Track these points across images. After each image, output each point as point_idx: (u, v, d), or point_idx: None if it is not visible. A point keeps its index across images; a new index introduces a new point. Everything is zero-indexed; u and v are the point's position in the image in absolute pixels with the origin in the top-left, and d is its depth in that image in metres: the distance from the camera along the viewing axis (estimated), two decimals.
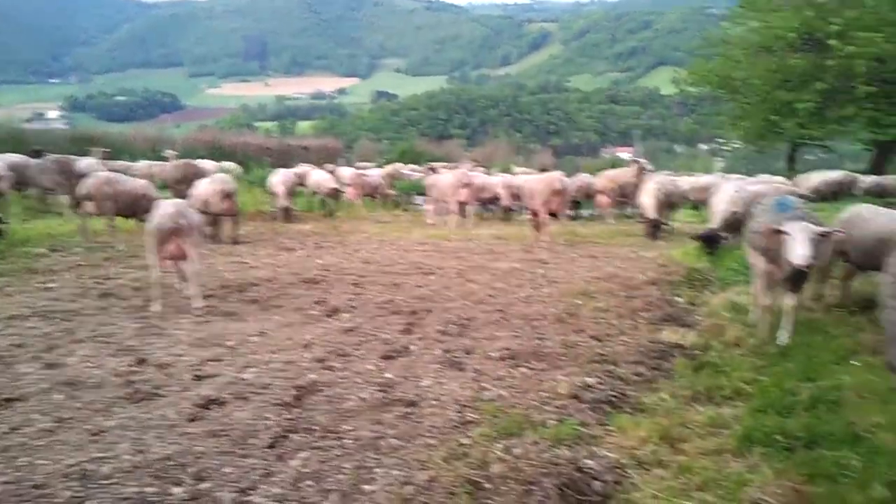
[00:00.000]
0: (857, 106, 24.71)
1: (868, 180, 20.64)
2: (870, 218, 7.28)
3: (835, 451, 4.40)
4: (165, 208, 8.23)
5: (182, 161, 17.48)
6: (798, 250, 5.91)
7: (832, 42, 23.96)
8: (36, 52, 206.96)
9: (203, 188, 13.26)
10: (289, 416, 4.98)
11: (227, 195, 12.98)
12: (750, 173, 29.49)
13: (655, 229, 13.78)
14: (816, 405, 5.17)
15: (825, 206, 14.09)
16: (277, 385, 5.56)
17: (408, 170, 27.04)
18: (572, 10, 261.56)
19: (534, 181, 14.03)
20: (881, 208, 7.61)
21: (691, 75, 31.81)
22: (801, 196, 9.22)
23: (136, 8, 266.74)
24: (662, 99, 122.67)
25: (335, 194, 18.53)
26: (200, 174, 15.30)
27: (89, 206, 12.59)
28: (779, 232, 6.10)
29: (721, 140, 33.27)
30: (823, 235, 6.12)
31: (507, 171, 26.49)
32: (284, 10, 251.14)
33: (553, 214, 13.22)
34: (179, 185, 15.45)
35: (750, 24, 29.15)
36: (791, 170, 28.25)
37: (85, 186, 12.57)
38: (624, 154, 76.80)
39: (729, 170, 35.72)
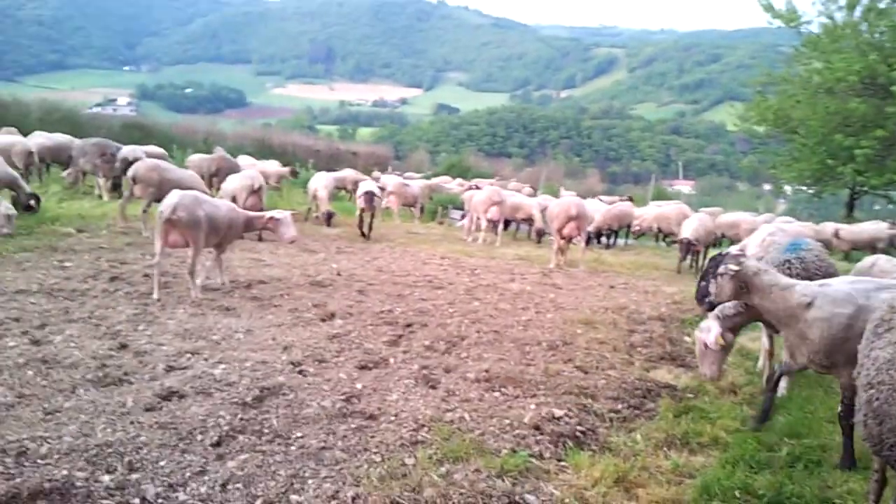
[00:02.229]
0: None
1: None
2: (888, 270, 6.93)
3: None
4: (170, 199, 8.29)
5: (217, 155, 17.73)
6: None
7: (895, 88, 23.25)
8: (111, 40, 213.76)
9: (232, 183, 13.42)
10: (243, 417, 4.91)
11: (254, 191, 13.09)
12: (810, 218, 28.73)
13: (687, 252, 13.59)
14: (795, 464, 4.91)
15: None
16: (243, 384, 5.51)
17: (456, 184, 27.08)
18: (640, 38, 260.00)
19: (553, 205, 13.90)
20: None
21: (748, 111, 31.19)
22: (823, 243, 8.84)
23: (210, 4, 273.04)
24: (727, 134, 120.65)
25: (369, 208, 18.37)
26: (234, 169, 15.49)
27: (137, 190, 12.77)
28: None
29: (779, 181, 32.39)
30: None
31: (554, 193, 26.28)
32: (352, 17, 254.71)
33: (570, 239, 13.05)
34: (213, 179, 15.66)
35: (813, 64, 28.50)
36: (850, 217, 27.41)
37: (133, 170, 12.81)
38: (683, 187, 75.88)
39: (789, 213, 34.90)
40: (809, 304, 4.82)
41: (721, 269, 5.21)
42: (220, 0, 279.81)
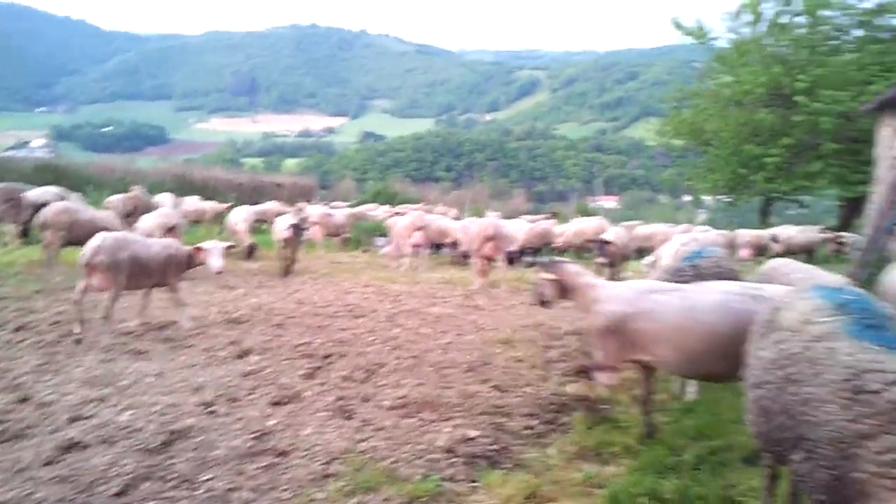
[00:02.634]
0: (823, 162, 24.89)
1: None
2: (787, 273, 7.18)
3: None
4: (93, 241, 8.22)
5: (131, 194, 17.31)
6: None
7: (799, 98, 24.23)
8: (25, 80, 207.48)
9: (146, 222, 13.12)
10: (148, 463, 4.76)
11: (169, 229, 12.83)
12: (728, 227, 29.69)
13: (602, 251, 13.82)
14: (701, 465, 5.02)
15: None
16: (150, 429, 5.35)
17: (382, 211, 26.99)
18: (562, 59, 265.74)
19: (471, 227, 14.02)
20: (801, 264, 7.52)
21: (665, 126, 32.13)
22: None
23: (128, 40, 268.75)
24: (647, 149, 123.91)
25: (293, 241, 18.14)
26: (149, 207, 15.15)
27: (47, 235, 12.38)
28: None
29: (697, 192, 33.42)
30: None
31: (479, 215, 26.44)
32: (275, 48, 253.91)
33: (490, 259, 13.13)
34: (128, 218, 15.27)
35: (722, 78, 29.56)
36: (764, 223, 28.39)
37: (42, 215, 12.41)
38: (607, 202, 77.36)
39: (709, 222, 35.93)
40: (596, 301, 5.58)
41: (542, 276, 6.18)
42: (137, 36, 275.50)
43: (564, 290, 6.03)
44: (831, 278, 6.64)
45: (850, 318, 3.15)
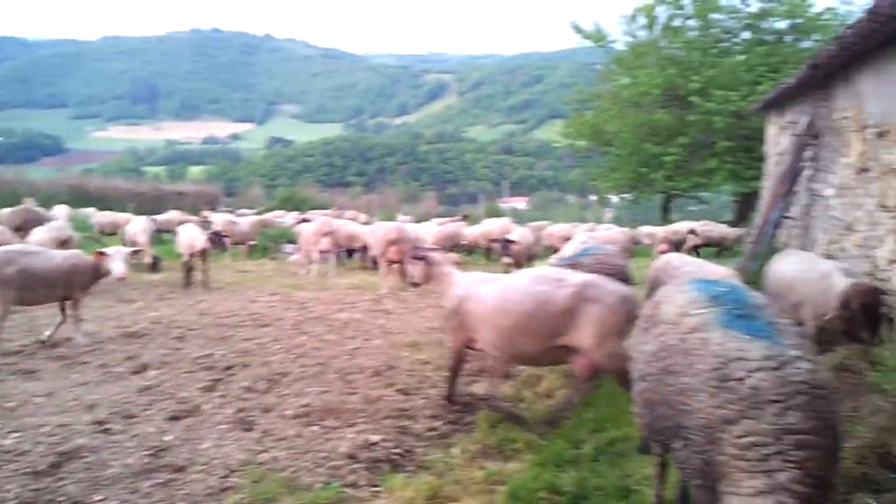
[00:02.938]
0: (718, 159, 25.91)
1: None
2: (678, 266, 7.46)
3: None
4: None
5: (21, 207, 16.55)
6: None
7: (693, 99, 25.16)
8: None
9: (37, 236, 12.57)
10: (35, 487, 4.56)
11: (63, 243, 12.31)
12: (632, 223, 30.63)
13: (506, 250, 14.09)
14: (599, 457, 5.14)
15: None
16: (38, 451, 5.11)
17: (291, 217, 26.55)
18: (467, 62, 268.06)
19: (375, 231, 14.04)
20: (691, 258, 7.83)
21: (568, 127, 32.84)
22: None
23: (18, 46, 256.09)
24: (554, 151, 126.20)
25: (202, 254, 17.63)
26: (40, 220, 14.51)
27: None
28: None
29: (601, 191, 34.30)
30: None
31: (391, 219, 26.37)
32: (175, 53, 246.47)
33: (395, 262, 13.17)
34: (19, 232, 14.57)
35: (621, 79, 30.41)
36: (665, 219, 29.38)
37: None
38: (518, 203, 78.33)
39: (615, 220, 36.95)
40: (448, 287, 6.58)
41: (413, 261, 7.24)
42: (28, 42, 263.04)
43: (429, 275, 7.02)
44: (718, 270, 6.92)
45: (723, 310, 3.28)
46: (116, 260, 8.95)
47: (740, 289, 3.59)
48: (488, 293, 6.00)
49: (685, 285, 3.72)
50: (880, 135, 6.68)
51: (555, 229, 18.66)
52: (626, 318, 5.54)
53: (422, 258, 7.07)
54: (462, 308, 6.17)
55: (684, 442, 3.09)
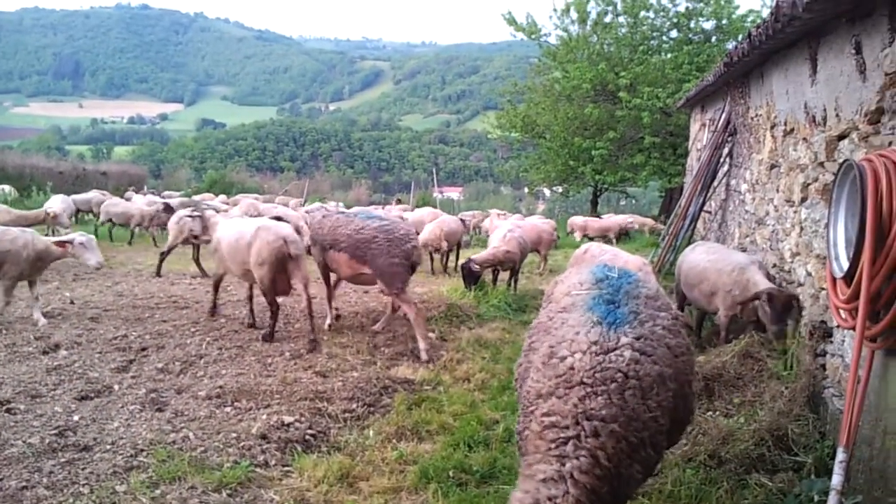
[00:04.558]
0: (645, 155, 26.54)
1: None
2: (596, 255, 7.67)
3: (508, 485, 4.42)
4: None
5: None
6: None
7: (622, 94, 25.65)
8: None
9: None
10: None
11: None
12: (563, 214, 31.10)
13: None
14: (511, 439, 5.23)
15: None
16: None
17: (219, 201, 26.05)
18: (404, 51, 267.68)
19: (298, 216, 13.99)
20: (608, 246, 8.05)
21: (500, 119, 33.06)
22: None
23: None
24: (489, 142, 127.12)
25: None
26: None
27: None
28: None
29: (532, 183, 34.64)
30: None
31: (323, 204, 26.15)
32: (102, 29, 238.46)
33: None
34: None
35: (553, 73, 30.73)
36: (595, 212, 29.91)
37: None
38: (453, 193, 78.52)
39: (547, 212, 37.51)
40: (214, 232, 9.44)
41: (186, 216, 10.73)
42: None
43: (205, 227, 9.76)
44: (631, 259, 7.12)
45: (598, 293, 3.36)
46: (90, 247, 8.59)
47: (630, 276, 3.59)
48: (229, 235, 8.45)
49: (586, 268, 3.80)
50: (787, 132, 6.95)
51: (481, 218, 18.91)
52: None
53: (197, 213, 10.20)
54: (219, 245, 8.63)
55: (521, 415, 3.13)
